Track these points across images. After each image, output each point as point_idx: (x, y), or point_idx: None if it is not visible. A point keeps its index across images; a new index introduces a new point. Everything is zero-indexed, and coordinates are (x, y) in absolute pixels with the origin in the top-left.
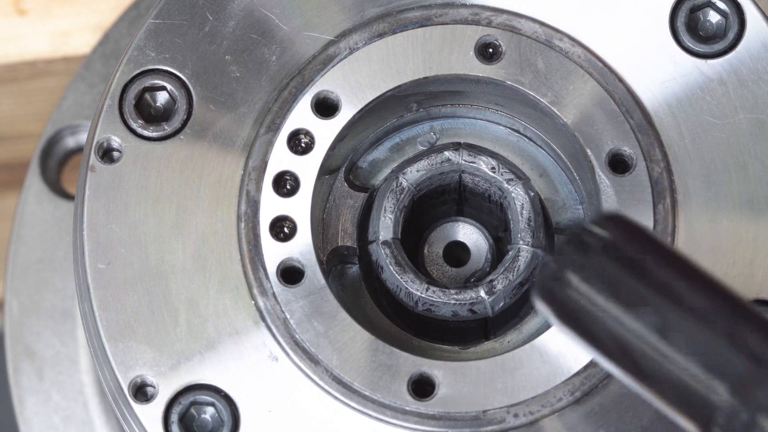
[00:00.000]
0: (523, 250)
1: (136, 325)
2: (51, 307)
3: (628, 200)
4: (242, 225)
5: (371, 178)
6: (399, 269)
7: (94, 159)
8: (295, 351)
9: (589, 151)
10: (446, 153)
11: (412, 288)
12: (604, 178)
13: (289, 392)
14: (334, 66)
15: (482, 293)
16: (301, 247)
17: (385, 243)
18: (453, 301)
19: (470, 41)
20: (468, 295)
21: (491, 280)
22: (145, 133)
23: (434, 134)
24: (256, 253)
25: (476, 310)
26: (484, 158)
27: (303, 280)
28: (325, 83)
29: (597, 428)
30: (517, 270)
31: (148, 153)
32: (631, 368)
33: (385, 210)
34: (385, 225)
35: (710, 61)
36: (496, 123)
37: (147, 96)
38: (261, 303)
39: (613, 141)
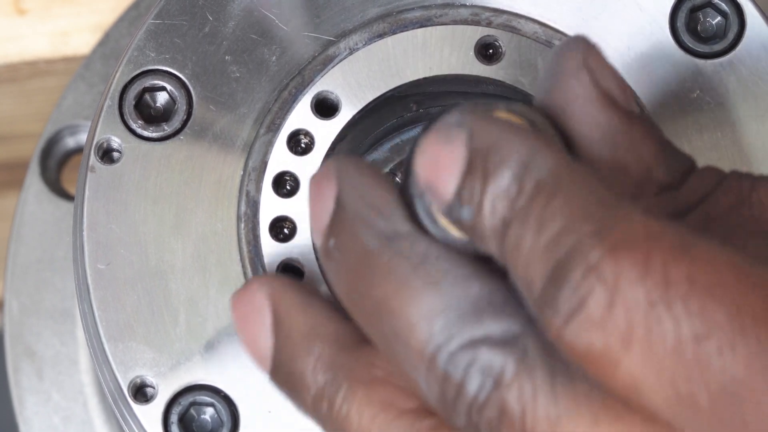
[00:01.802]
0: None
1: (135, 325)
2: (51, 307)
3: None
4: (242, 225)
5: None
6: None
7: (93, 159)
8: None
9: None
10: None
11: None
12: None
13: None
14: (333, 66)
15: None
16: (300, 247)
17: None
18: None
19: (470, 41)
20: None
21: None
22: (145, 133)
23: None
24: (256, 253)
25: None
26: None
27: (303, 281)
28: (325, 83)
29: None
30: None
31: (148, 153)
32: None
33: None
34: None
35: (710, 62)
36: None
37: (147, 96)
38: None
39: None
